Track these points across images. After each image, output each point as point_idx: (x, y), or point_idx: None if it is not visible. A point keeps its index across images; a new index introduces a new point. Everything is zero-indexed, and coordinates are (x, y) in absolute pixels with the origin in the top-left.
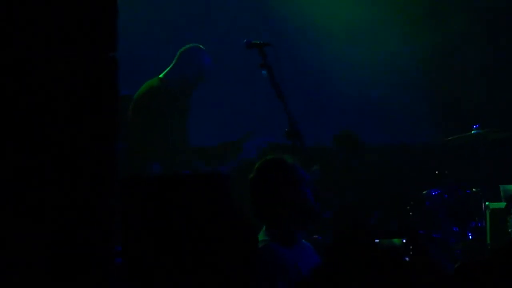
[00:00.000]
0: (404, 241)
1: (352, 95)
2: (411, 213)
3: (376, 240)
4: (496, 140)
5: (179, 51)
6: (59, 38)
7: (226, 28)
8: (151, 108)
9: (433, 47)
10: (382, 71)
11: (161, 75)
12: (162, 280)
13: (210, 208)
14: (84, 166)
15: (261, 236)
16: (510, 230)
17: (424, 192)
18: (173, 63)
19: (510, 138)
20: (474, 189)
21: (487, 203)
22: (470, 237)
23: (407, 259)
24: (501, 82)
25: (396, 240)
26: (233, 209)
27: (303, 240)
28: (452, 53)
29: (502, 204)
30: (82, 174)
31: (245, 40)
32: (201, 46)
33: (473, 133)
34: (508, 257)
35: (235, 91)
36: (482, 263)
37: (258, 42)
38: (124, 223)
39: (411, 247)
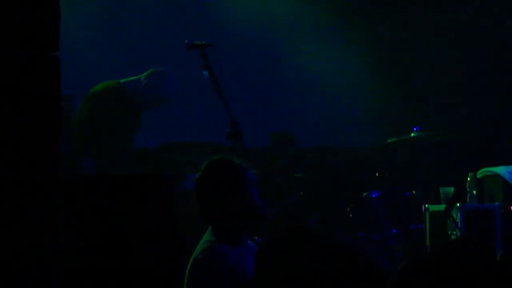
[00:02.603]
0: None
1: (293, 97)
2: (351, 215)
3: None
4: (436, 143)
5: (151, 70)
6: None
7: (168, 28)
8: (103, 104)
9: (376, 48)
10: (324, 73)
11: (122, 80)
12: (93, 279)
13: (146, 208)
14: (26, 165)
15: (207, 236)
16: (449, 232)
17: (364, 194)
18: (140, 76)
19: (449, 141)
20: (414, 192)
21: (426, 205)
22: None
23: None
24: (442, 84)
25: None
26: (169, 213)
27: (249, 241)
28: (394, 54)
29: (442, 207)
30: (23, 174)
31: (186, 41)
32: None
33: (413, 135)
34: (448, 257)
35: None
36: (423, 263)
37: (199, 43)
38: (63, 223)
39: None
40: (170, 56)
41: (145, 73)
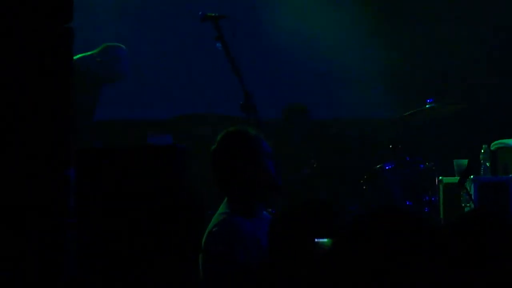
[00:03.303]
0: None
1: (307, 69)
2: (364, 187)
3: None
4: (450, 115)
5: (105, 45)
6: (16, 10)
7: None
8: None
9: (387, 22)
10: (337, 45)
11: (75, 57)
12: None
13: (161, 178)
14: (41, 135)
15: (222, 208)
16: (463, 204)
17: (378, 166)
18: (93, 52)
19: (463, 112)
20: (427, 164)
21: (440, 177)
22: (426, 210)
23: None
24: (455, 55)
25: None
26: (185, 182)
27: (264, 212)
28: (409, 27)
29: (455, 179)
30: (39, 143)
31: (200, 13)
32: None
33: (427, 107)
34: (464, 227)
35: (191, 64)
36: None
37: (213, 14)
38: (79, 192)
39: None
40: (184, 27)
41: (98, 49)
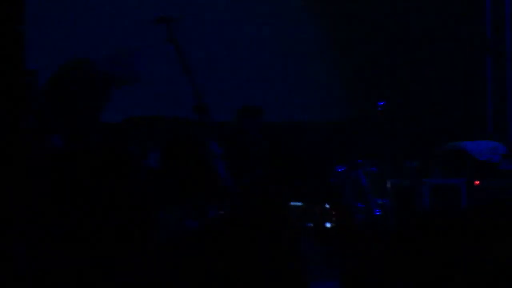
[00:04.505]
0: (328, 206)
1: (260, 72)
2: (316, 188)
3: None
4: (401, 118)
5: (123, 47)
6: None
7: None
8: (71, 81)
9: (339, 25)
10: (292, 50)
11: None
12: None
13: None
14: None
15: (176, 210)
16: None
17: (330, 168)
18: (111, 54)
19: (414, 116)
20: (378, 167)
21: (390, 180)
22: (377, 213)
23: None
24: (407, 59)
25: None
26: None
27: (215, 213)
28: (359, 30)
29: (406, 181)
30: None
31: (154, 15)
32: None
33: (379, 110)
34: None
35: (141, 66)
36: None
37: (165, 16)
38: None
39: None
40: (136, 30)
41: (117, 51)
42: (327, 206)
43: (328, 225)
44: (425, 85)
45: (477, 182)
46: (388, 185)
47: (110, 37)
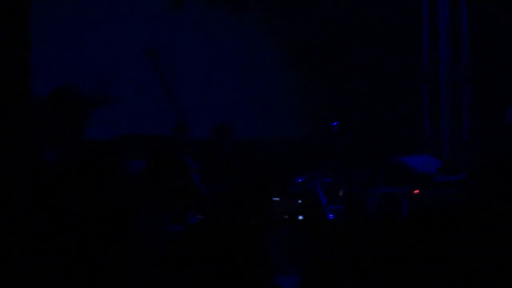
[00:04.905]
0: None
1: (233, 95)
2: (279, 198)
3: None
4: (352, 135)
5: (100, 70)
6: None
7: (120, 32)
8: (59, 106)
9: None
10: (258, 74)
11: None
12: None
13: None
14: None
15: (159, 217)
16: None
17: (291, 179)
18: (90, 77)
19: (364, 133)
20: (333, 177)
21: (342, 189)
22: (331, 217)
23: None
24: (359, 84)
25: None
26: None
27: (193, 218)
28: (316, 57)
29: (357, 189)
30: None
31: (140, 45)
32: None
33: (333, 130)
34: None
35: (129, 89)
36: None
37: (152, 48)
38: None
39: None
40: (124, 57)
41: (97, 74)
42: (299, 201)
43: (300, 217)
44: (374, 108)
45: (416, 191)
46: (341, 193)
47: (103, 64)
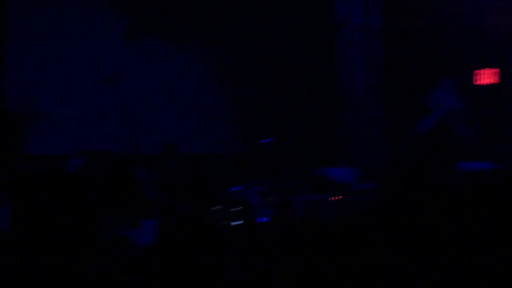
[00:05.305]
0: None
1: (176, 115)
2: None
3: None
4: (281, 150)
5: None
6: None
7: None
8: None
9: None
10: (200, 97)
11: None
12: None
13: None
14: None
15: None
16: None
17: (229, 189)
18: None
19: (291, 147)
20: (264, 187)
21: (273, 196)
22: (263, 220)
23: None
24: (287, 107)
25: None
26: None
27: (144, 221)
28: (250, 83)
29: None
30: None
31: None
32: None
33: (266, 145)
34: None
35: (89, 112)
36: None
37: (109, 77)
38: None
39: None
40: (84, 83)
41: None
42: (238, 208)
43: (238, 223)
44: (300, 127)
45: (335, 198)
46: (272, 200)
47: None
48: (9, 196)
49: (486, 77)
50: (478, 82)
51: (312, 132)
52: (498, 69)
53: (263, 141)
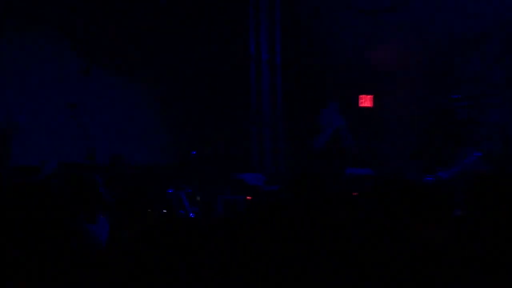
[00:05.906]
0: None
1: (123, 131)
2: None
3: None
4: (204, 160)
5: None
6: None
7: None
8: None
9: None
10: (141, 117)
11: None
12: None
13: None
14: None
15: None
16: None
17: (166, 191)
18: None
19: (215, 157)
20: (192, 189)
21: (199, 196)
22: (191, 215)
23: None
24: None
25: None
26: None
27: (102, 218)
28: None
29: (208, 197)
30: None
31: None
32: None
33: (191, 157)
34: None
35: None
36: None
37: (72, 103)
38: None
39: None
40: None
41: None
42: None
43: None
44: (220, 140)
45: (249, 198)
46: (198, 199)
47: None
48: None
49: (365, 101)
50: (361, 105)
51: (229, 143)
52: (372, 95)
53: (192, 152)
